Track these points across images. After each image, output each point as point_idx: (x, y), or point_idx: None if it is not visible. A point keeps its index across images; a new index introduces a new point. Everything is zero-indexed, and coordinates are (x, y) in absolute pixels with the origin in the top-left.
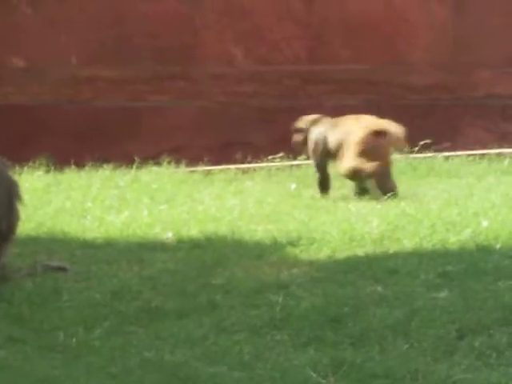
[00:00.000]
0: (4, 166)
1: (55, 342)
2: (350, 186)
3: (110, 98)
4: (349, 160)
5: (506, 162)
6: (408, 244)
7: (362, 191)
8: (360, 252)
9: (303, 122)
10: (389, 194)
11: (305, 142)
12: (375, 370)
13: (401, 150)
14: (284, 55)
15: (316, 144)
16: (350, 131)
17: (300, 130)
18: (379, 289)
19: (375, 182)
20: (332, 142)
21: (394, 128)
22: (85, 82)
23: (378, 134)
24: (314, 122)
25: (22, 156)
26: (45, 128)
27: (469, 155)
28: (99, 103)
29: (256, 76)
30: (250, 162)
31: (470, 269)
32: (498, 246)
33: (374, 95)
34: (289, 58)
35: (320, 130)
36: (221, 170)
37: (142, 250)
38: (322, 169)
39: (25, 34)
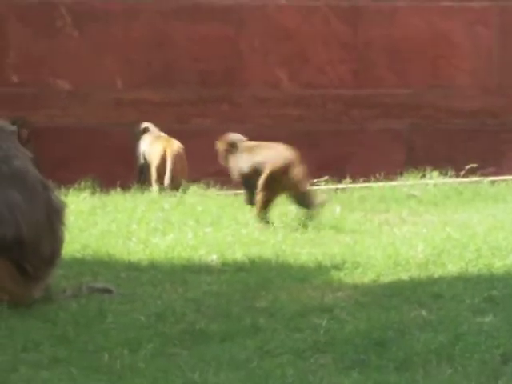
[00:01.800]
0: (47, 188)
1: (100, 363)
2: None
3: (155, 120)
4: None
5: None
6: (453, 268)
7: None
8: (405, 276)
9: None
10: None
11: None
12: None
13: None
14: (329, 79)
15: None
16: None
17: None
18: (424, 313)
19: None
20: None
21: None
22: (129, 105)
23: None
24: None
25: (68, 178)
26: (90, 150)
27: None
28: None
29: (301, 100)
30: None
31: None
32: None
33: (419, 119)
34: (334, 81)
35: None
36: None
37: (187, 273)
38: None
39: (70, 56)
